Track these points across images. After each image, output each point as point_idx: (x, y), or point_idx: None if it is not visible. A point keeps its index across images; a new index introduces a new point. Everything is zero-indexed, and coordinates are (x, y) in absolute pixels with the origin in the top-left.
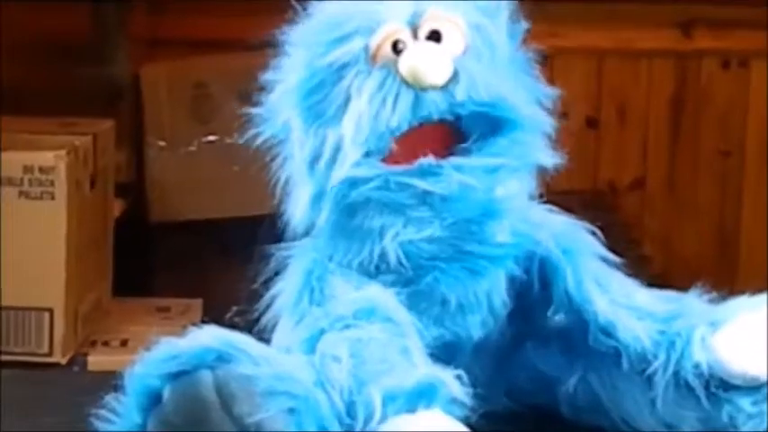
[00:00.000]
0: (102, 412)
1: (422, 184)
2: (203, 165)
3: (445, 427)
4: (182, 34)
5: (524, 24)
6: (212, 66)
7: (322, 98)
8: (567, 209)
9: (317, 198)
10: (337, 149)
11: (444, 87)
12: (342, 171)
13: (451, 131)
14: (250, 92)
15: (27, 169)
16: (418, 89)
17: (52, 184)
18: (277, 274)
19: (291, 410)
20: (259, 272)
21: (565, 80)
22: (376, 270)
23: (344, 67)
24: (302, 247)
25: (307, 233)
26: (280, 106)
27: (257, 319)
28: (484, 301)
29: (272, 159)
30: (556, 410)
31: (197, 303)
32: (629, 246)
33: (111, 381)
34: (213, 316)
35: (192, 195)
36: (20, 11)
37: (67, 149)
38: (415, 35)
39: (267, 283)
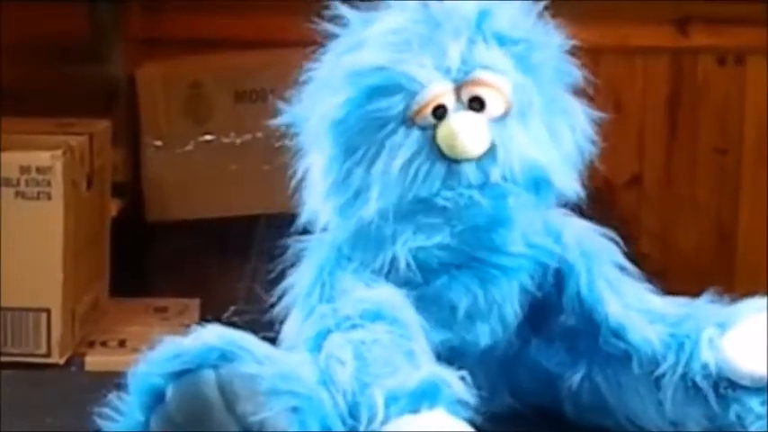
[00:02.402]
0: (105, 411)
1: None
2: (199, 164)
3: (448, 426)
4: (178, 34)
5: (572, 57)
6: (208, 65)
7: (354, 138)
8: (564, 206)
9: (334, 213)
10: (360, 192)
11: (479, 160)
12: (365, 213)
13: None
14: (246, 91)
15: (24, 170)
16: (453, 160)
17: (49, 184)
18: (292, 266)
19: (295, 409)
20: (258, 271)
21: None
22: (387, 275)
23: (382, 118)
24: (317, 241)
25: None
26: (311, 121)
27: (259, 317)
28: (494, 310)
29: (290, 154)
30: (559, 410)
31: (195, 303)
32: (626, 243)
33: (109, 381)
34: (211, 316)
35: (189, 195)
36: (16, 11)
37: (64, 149)
38: (458, 95)
39: (278, 277)
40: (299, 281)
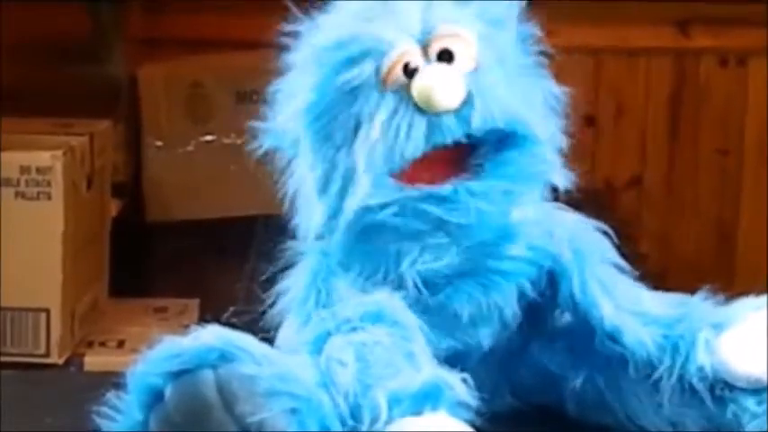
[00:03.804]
0: (104, 410)
1: (437, 211)
2: (200, 165)
3: (451, 428)
4: (178, 34)
5: (534, 26)
6: (209, 65)
7: (331, 121)
8: (565, 206)
9: (330, 219)
10: (349, 176)
11: (458, 111)
12: (355, 200)
13: (464, 148)
14: (247, 92)
15: (24, 170)
16: (431, 114)
17: (49, 184)
18: (286, 269)
19: (293, 411)
20: (257, 271)
21: (562, 78)
22: (390, 286)
23: (354, 90)
24: (311, 247)
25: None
26: (288, 124)
27: (258, 317)
28: (495, 313)
29: (278, 170)
30: (561, 409)
31: (194, 303)
32: (626, 243)
33: (108, 381)
34: (210, 316)
35: (189, 195)
36: (16, 11)
37: (64, 150)
38: (425, 54)
39: (274, 279)
40: (293, 287)
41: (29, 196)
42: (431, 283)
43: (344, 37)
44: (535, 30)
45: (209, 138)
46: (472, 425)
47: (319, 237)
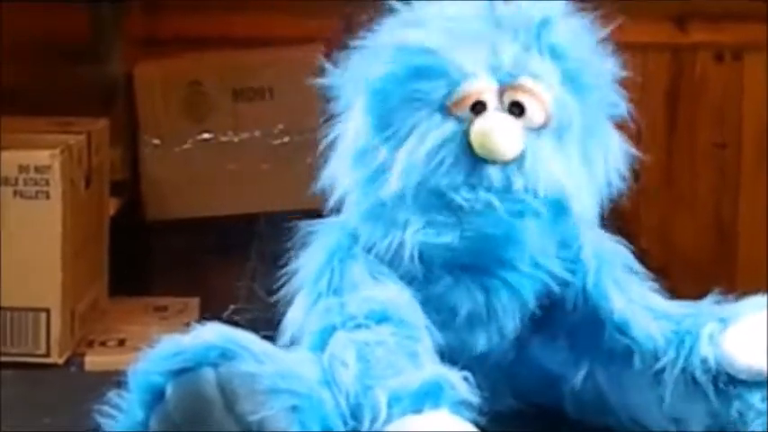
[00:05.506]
0: (105, 409)
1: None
2: (198, 163)
3: (452, 426)
4: (176, 33)
5: (621, 97)
6: (207, 64)
7: (390, 111)
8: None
9: (355, 185)
10: (381, 171)
11: (505, 165)
12: (385, 192)
13: None
14: (245, 90)
15: (22, 169)
16: (480, 158)
17: (47, 183)
18: (301, 248)
19: (294, 408)
20: (257, 269)
21: None
22: (391, 262)
23: (421, 101)
24: (329, 225)
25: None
26: (353, 83)
27: (259, 316)
28: (494, 320)
29: (325, 116)
30: (561, 410)
31: (194, 302)
32: (625, 239)
33: (108, 381)
34: (210, 314)
35: (188, 193)
36: (15, 10)
37: (62, 148)
38: (500, 97)
39: (291, 256)
40: (308, 264)
41: (27, 195)
42: (429, 265)
43: (431, 46)
44: (620, 95)
45: (206, 136)
46: (474, 423)
47: (336, 210)
